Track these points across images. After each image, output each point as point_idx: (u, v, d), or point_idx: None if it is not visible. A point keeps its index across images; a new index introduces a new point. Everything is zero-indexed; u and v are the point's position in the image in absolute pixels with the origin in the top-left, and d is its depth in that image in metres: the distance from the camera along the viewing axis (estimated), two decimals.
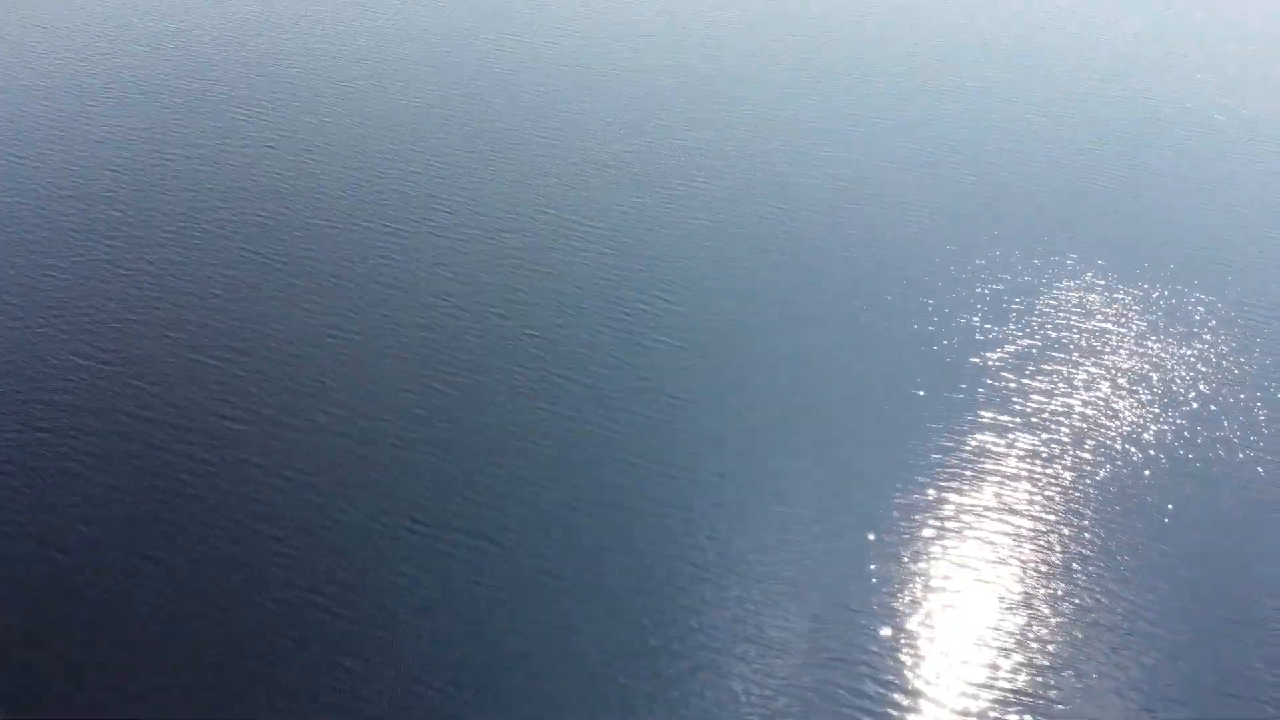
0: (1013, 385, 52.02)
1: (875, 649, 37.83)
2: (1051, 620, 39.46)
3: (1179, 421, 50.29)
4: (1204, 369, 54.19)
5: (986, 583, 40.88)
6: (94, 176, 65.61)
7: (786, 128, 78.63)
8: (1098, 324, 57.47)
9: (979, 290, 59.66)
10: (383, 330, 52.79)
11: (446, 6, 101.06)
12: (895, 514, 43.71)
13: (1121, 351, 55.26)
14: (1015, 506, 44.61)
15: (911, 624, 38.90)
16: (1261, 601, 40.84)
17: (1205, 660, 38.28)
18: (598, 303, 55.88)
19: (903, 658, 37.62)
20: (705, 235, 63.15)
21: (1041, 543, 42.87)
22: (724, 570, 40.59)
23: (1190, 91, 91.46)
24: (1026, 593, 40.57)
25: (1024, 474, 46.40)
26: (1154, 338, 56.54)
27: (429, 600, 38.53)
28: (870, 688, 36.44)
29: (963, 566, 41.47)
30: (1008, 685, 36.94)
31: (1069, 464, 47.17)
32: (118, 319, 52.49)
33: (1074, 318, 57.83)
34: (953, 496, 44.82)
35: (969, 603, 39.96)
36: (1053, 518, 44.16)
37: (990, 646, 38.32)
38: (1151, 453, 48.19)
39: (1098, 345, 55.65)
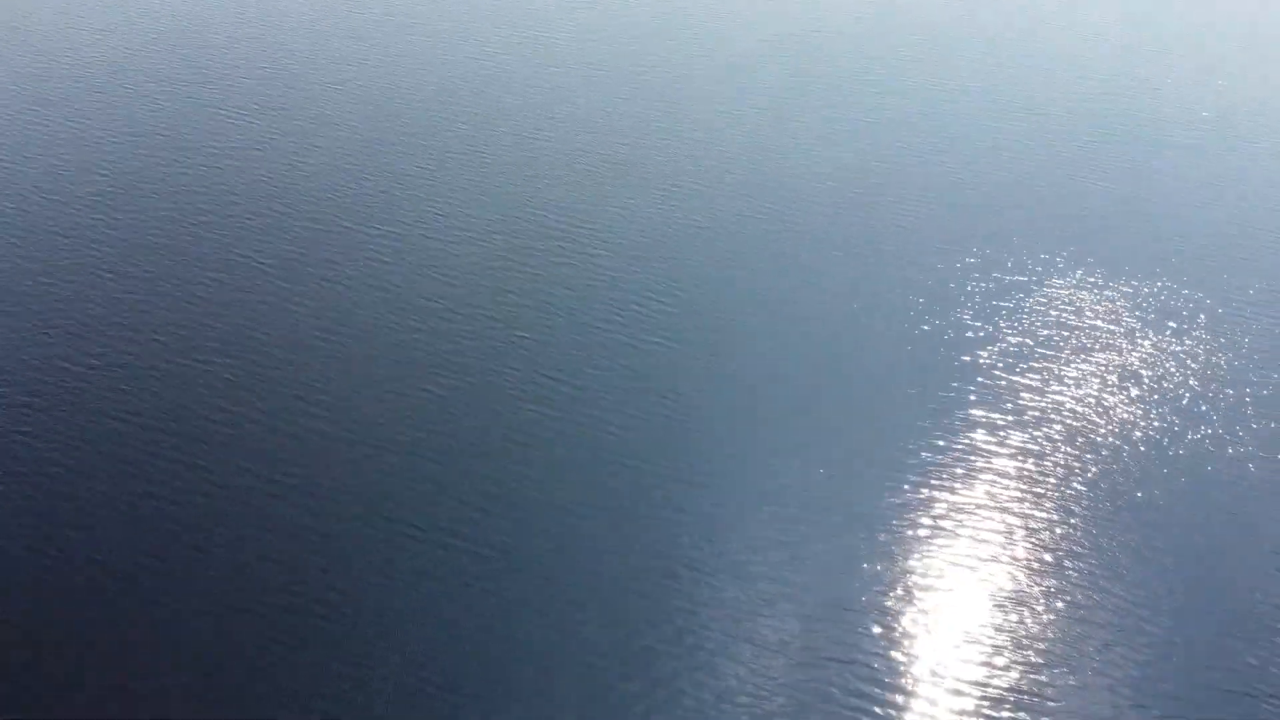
0: (1004, 383, 52.30)
1: (869, 648, 37.99)
2: (1044, 617, 39.69)
3: (1170, 418, 50.62)
4: (1194, 365, 54.54)
5: (979, 580, 41.11)
6: (80, 179, 65.55)
7: (779, 127, 78.85)
8: (1089, 321, 57.80)
9: (971, 288, 59.95)
10: (375, 333, 52.86)
11: (435, 7, 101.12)
12: (889, 512, 43.91)
13: (1112, 349, 55.59)
14: (1007, 504, 44.86)
15: (905, 622, 39.09)
16: (1253, 597, 41.12)
17: (1198, 656, 38.52)
18: (590, 304, 56.04)
19: (897, 656, 37.80)
20: (697, 235, 63.34)
21: (1034, 540, 43.12)
22: (719, 570, 40.71)
23: (1179, 89, 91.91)
24: (1019, 590, 40.80)
25: (1016, 472, 46.66)
26: (1145, 335, 56.88)
27: (424, 604, 38.58)
28: (865, 687, 36.60)
29: (955, 565, 41.69)
30: (1001, 682, 37.14)
31: (1061, 461, 47.45)
32: (106, 324, 52.46)
33: (1065, 315, 58.15)
34: (945, 495, 45.04)
35: (962, 600, 40.17)
36: (1045, 515, 44.42)
37: (983, 644, 38.52)
38: (1142, 449, 48.49)
39: (1089, 343, 55.97)
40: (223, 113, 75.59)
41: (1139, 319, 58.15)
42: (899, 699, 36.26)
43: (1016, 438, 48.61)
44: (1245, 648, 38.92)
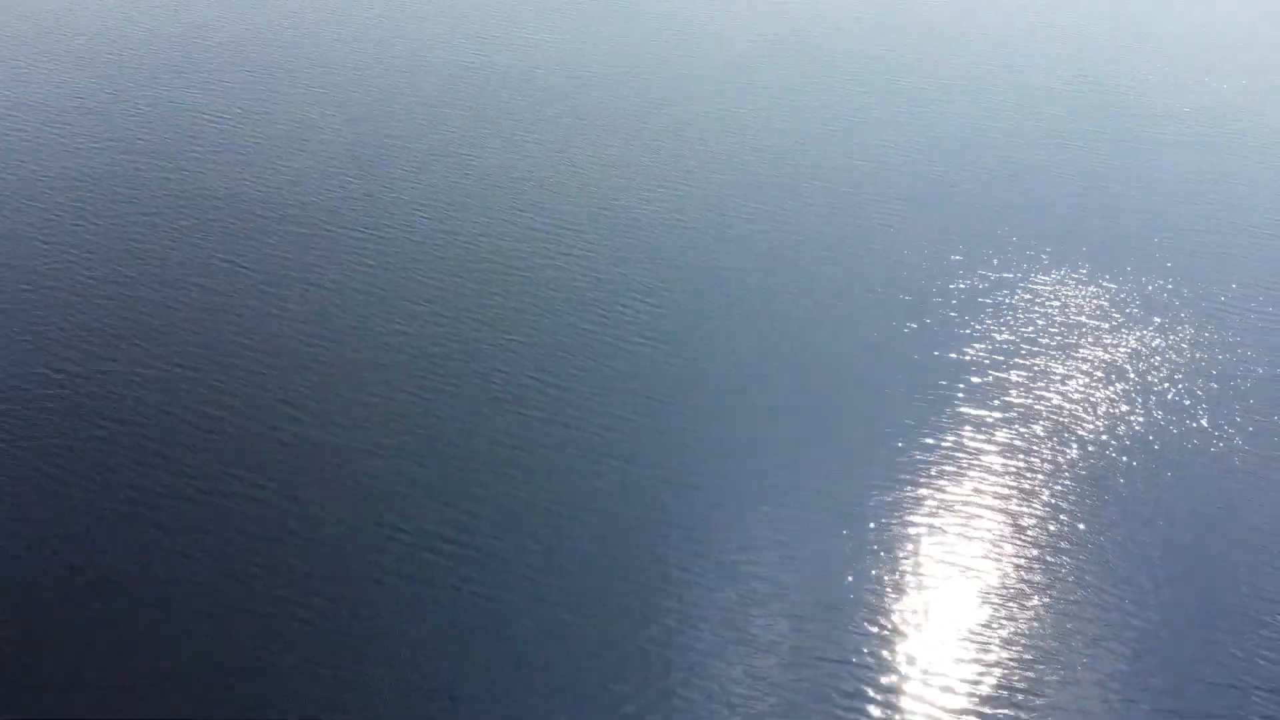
0: (992, 380, 52.44)
1: (860, 647, 38.01)
2: (1033, 612, 39.78)
3: (1156, 413, 50.82)
4: (1179, 360, 54.77)
5: (969, 578, 41.19)
6: (60, 185, 65.21)
7: (765, 127, 78.94)
8: (1075, 318, 57.99)
9: (957, 286, 60.10)
10: (360, 337, 52.71)
11: (418, 9, 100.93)
12: (879, 511, 43.96)
13: (1098, 344, 55.79)
14: (995, 501, 44.96)
15: (896, 621, 39.12)
16: (1239, 590, 41.30)
17: (1185, 649, 38.67)
18: (577, 306, 55.99)
19: (888, 655, 37.83)
20: (683, 235, 63.35)
21: (1023, 537, 43.22)
22: (708, 570, 40.69)
23: (1163, 85, 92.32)
24: (1008, 586, 40.89)
25: (1004, 468, 46.77)
26: (1130, 330, 57.10)
27: (412, 607, 38.46)
28: (855, 686, 36.61)
29: (944, 562, 41.76)
30: (991, 678, 37.20)
31: (1048, 457, 47.58)
32: (88, 330, 52.19)
33: (1051, 312, 58.33)
34: (934, 492, 45.12)
35: (951, 598, 40.23)
36: (1033, 511, 44.54)
37: (973, 640, 38.59)
38: (1129, 444, 48.67)
39: (1075, 339, 56.16)
40: (204, 117, 75.28)
41: (1125, 314, 58.36)
42: (890, 697, 36.30)
43: (1004, 434, 48.73)
44: (1232, 640, 39.08)
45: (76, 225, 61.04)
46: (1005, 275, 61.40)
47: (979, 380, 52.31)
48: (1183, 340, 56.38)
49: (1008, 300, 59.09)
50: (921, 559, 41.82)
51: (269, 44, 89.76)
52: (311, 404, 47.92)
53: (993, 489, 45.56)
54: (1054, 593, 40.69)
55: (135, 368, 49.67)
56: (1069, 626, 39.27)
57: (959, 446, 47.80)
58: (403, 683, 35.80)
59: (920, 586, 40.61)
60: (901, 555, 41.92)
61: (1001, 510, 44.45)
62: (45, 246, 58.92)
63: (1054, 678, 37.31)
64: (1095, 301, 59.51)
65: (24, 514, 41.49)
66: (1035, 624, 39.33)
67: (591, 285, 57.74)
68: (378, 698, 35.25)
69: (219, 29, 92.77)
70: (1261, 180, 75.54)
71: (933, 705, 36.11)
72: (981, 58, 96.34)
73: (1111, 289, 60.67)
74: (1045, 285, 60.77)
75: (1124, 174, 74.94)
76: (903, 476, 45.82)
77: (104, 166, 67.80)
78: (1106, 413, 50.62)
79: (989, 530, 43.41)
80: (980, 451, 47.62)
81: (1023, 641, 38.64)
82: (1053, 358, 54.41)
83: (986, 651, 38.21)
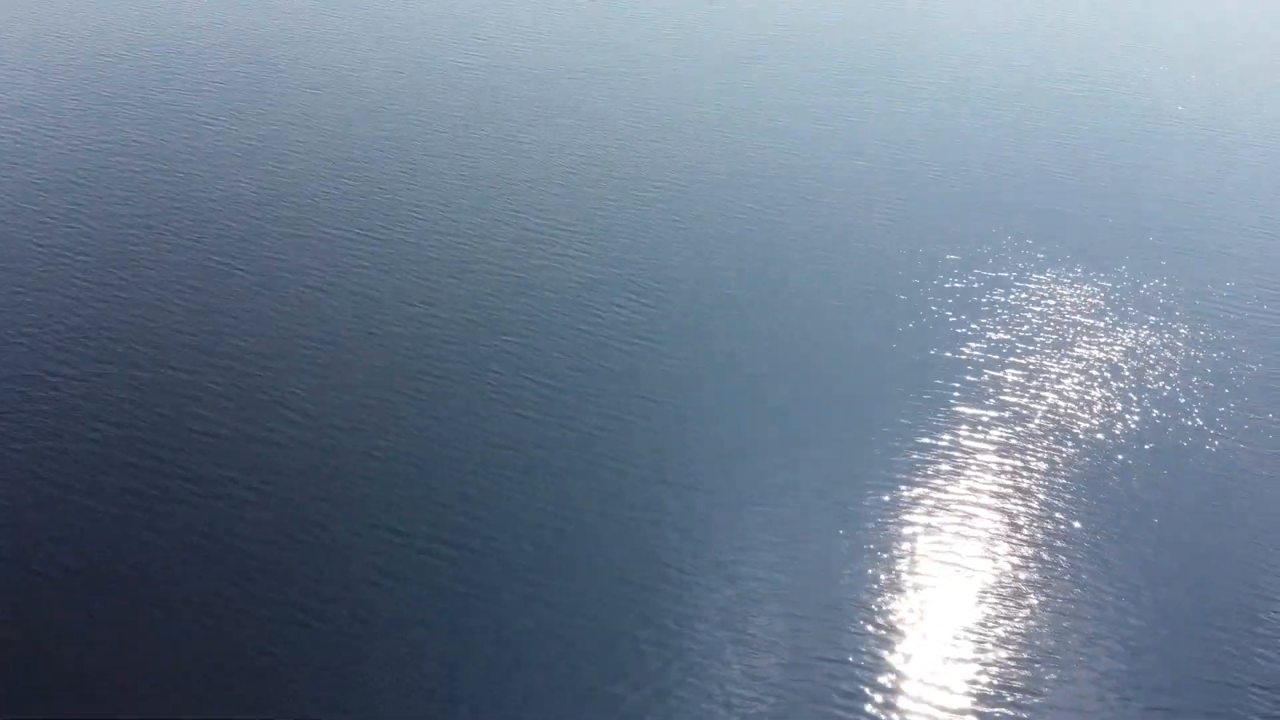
0: (987, 379, 52.49)
1: (859, 647, 38.04)
2: (1030, 611, 39.82)
3: (1151, 411, 50.90)
4: (1174, 358, 54.85)
5: (965, 576, 41.23)
6: (53, 188, 65.12)
7: (759, 127, 78.97)
8: (1070, 316, 58.06)
9: (952, 285, 60.15)
10: (355, 338, 52.66)
11: (411, 10, 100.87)
12: (876, 511, 43.99)
13: (1093, 343, 55.86)
14: (992, 500, 45.00)
15: (893, 620, 39.15)
16: (1235, 587, 41.37)
17: (1181, 646, 38.73)
18: (572, 307, 55.98)
19: (885, 653, 37.85)
20: (679, 235, 63.36)
21: (1019, 536, 43.27)
22: (705, 571, 40.70)
23: (1157, 83, 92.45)
24: (1005, 585, 40.93)
25: (999, 467, 46.82)
26: (1125, 329, 57.18)
27: (412, 609, 38.45)
28: (855, 686, 36.63)
29: (941, 562, 41.79)
30: (989, 677, 37.24)
31: (1044, 456, 47.64)
32: (83, 333, 52.11)
33: (1046, 310, 58.40)
34: (930, 492, 45.16)
35: (948, 597, 40.27)
36: (1029, 509, 44.59)
37: (970, 639, 38.62)
38: (1124, 442, 48.74)
39: (1070, 337, 56.23)
40: (198, 119, 75.20)
41: (1120, 313, 58.45)
42: (888, 697, 36.32)
43: (1000, 433, 48.78)
44: (1228, 638, 39.16)
45: (70, 228, 60.95)
46: (1000, 274, 61.46)
47: (974, 379, 52.37)
48: (1178, 338, 56.47)
49: (1003, 299, 59.15)
50: (918, 558, 41.86)
51: (261, 46, 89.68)
52: (307, 406, 47.88)
53: (989, 488, 45.60)
54: (1050, 591, 40.74)
55: (130, 370, 49.60)
56: (1065, 625, 39.33)
57: (955, 445, 47.84)
58: (401, 683, 35.78)
59: (917, 586, 40.65)
60: (898, 555, 41.95)
61: (998, 509, 44.50)
62: (39, 249, 58.82)
63: (1051, 676, 37.35)
64: (1090, 300, 59.59)
65: (18, 517, 41.41)
66: (1032, 622, 39.38)
67: (586, 286, 57.73)
68: (376, 698, 35.22)
69: (211, 31, 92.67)
70: (1256, 178, 75.67)
71: (930, 704, 36.14)
72: (975, 56, 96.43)
73: (1106, 287, 60.76)
74: (1040, 284, 60.84)
75: (1118, 172, 75.03)
76: (899, 476, 45.85)
77: (97, 168, 67.69)
78: (1102, 411, 50.69)
79: (985, 529, 43.45)
80: (976, 450, 47.67)
81: (1019, 640, 38.68)
82: (1048, 356, 54.48)
83: (983, 650, 38.25)
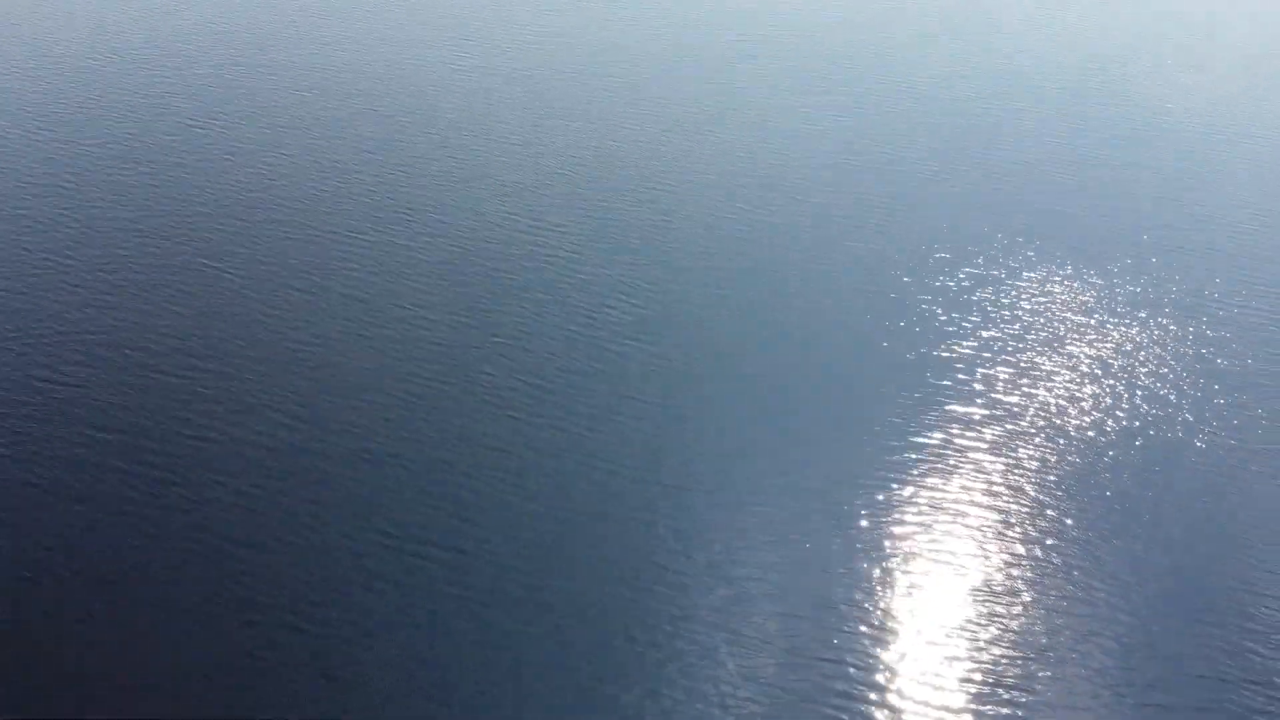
0: (979, 377, 52.55)
1: (853, 645, 38.03)
2: (1023, 608, 39.86)
3: (1141, 408, 51.00)
4: (1164, 355, 54.98)
5: (958, 574, 41.25)
6: (44, 192, 64.88)
7: (750, 128, 78.99)
8: (1061, 314, 58.16)
9: (943, 284, 60.21)
10: (346, 341, 52.54)
11: (404, 11, 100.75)
12: (868, 510, 44.00)
13: (1084, 340, 55.96)
14: (985, 499, 45.05)
15: (888, 618, 39.15)
16: (1224, 583, 41.46)
17: (1172, 642, 38.80)
18: (565, 309, 55.92)
19: (879, 651, 37.85)
20: (670, 236, 63.33)
21: (1012, 534, 43.32)
22: (699, 571, 40.66)
23: (1147, 82, 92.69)
24: (998, 583, 40.97)
25: (992, 465, 46.87)
26: (1116, 326, 57.29)
27: (405, 613, 38.34)
28: (849, 683, 36.61)
29: (935, 560, 41.82)
30: (982, 673, 37.26)
31: (1036, 454, 47.69)
32: (75, 337, 51.88)
33: (1037, 308, 58.49)
34: (923, 491, 45.18)
35: (942, 594, 40.28)
36: (1021, 507, 44.64)
37: (963, 636, 38.64)
38: (1115, 439, 48.82)
39: (1061, 335, 56.32)
40: (186, 122, 75.00)
41: (1110, 311, 58.57)
42: (882, 694, 36.32)
43: (992, 432, 48.83)
44: (1220, 633, 39.24)
45: (58, 233, 60.73)
46: (991, 272, 61.55)
47: (966, 377, 52.42)
48: (1168, 335, 56.60)
49: (994, 297, 59.23)
50: (911, 557, 41.87)
51: (252, 49, 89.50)
52: (298, 409, 47.75)
53: (981, 486, 45.65)
54: (1042, 588, 40.78)
55: (120, 374, 49.42)
56: (1059, 622, 39.37)
57: (947, 444, 47.88)
58: (394, 684, 35.69)
59: (911, 584, 40.66)
60: (892, 553, 41.96)
61: (990, 507, 44.54)
62: (27, 254, 58.58)
63: (1044, 673, 37.39)
64: (1081, 298, 59.70)
65: (9, 521, 41.21)
66: (1024, 619, 39.42)
67: (577, 287, 57.69)
68: (370, 699, 35.13)
69: (198, 34, 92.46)
70: (1246, 175, 75.89)
71: (925, 702, 36.14)
72: (966, 54, 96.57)
73: (1097, 285, 60.87)
74: (1031, 282, 60.94)
75: (1109, 171, 75.18)
76: (892, 475, 45.87)
77: (85, 172, 67.47)
78: (1093, 408, 50.78)
79: (978, 527, 43.49)
80: (968, 448, 47.72)
81: (1012, 637, 38.71)
82: (1039, 354, 54.56)
83: (977, 647, 38.27)
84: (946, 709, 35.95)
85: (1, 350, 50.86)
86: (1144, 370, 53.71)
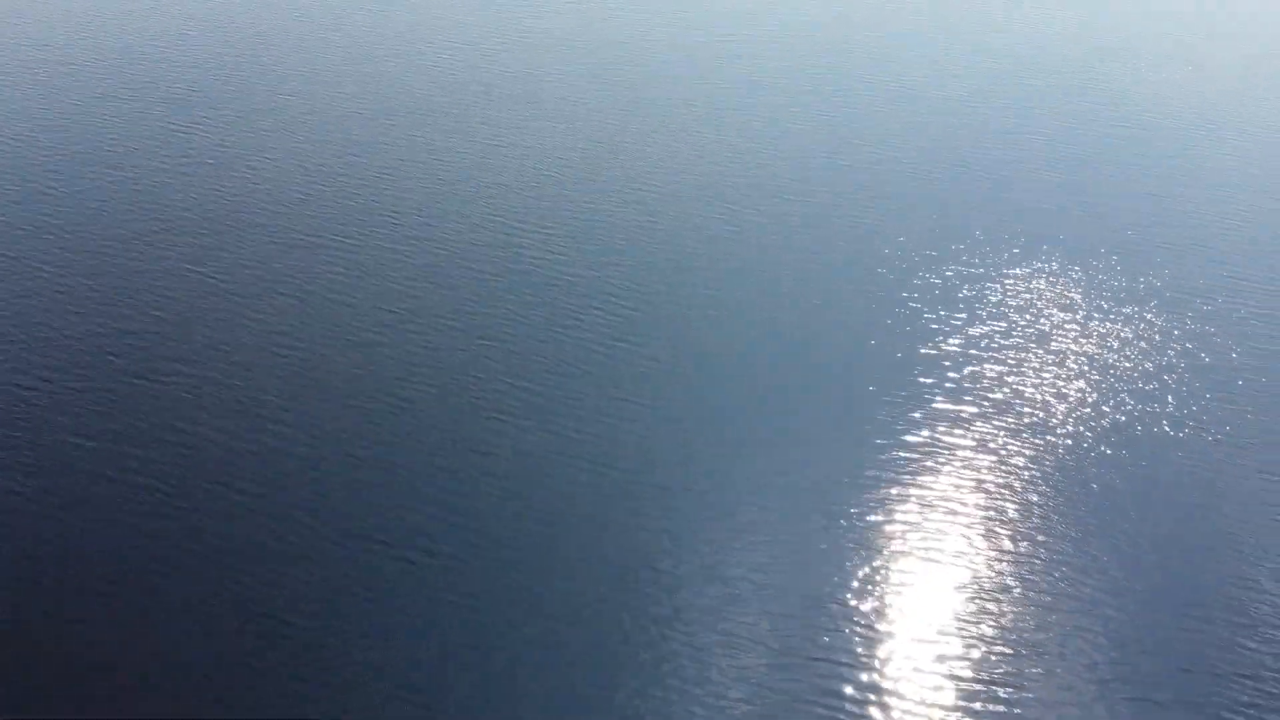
0: (967, 374, 52.72)
1: (845, 644, 38.11)
2: (1013, 604, 40.01)
3: (1127, 403, 51.24)
4: (1149, 350, 55.24)
5: (947, 571, 41.38)
6: (28, 196, 64.52)
7: (739, 128, 79.05)
8: (1048, 311, 58.38)
9: (931, 282, 60.38)
10: (334, 344, 52.42)
11: (391, 13, 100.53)
12: (857, 509, 44.09)
13: (1069, 337, 56.19)
14: (974, 496, 45.19)
15: (879, 615, 39.24)
16: (1212, 577, 41.68)
17: (1160, 637, 39.00)
18: (553, 311, 55.89)
19: (873, 650, 37.95)
20: (658, 239, 63.34)
21: (1001, 530, 43.48)
22: (691, 572, 40.71)
23: (1130, 80, 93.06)
24: (988, 579, 41.11)
25: (981, 463, 47.02)
26: (1101, 323, 57.54)
27: (399, 615, 38.29)
28: (842, 682, 36.70)
29: (924, 558, 41.93)
30: (973, 669, 37.39)
31: (1025, 450, 47.87)
32: (58, 343, 51.63)
33: (1025, 306, 58.70)
34: (913, 489, 45.28)
35: (932, 592, 40.40)
36: (1012, 504, 44.81)
37: (954, 633, 38.77)
38: (1101, 435, 49.03)
39: (1049, 332, 56.54)
40: (172, 126, 74.70)
41: (1096, 307, 58.82)
42: (874, 692, 36.42)
43: (980, 429, 49.00)
44: (1209, 627, 39.47)
45: (45, 238, 60.42)
46: (979, 271, 61.75)
47: (954, 375, 52.59)
48: (1154, 331, 56.88)
49: (980, 295, 59.42)
50: (901, 554, 42.00)
51: (235, 53, 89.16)
52: (288, 414, 47.63)
53: (970, 484, 45.80)
54: (1032, 584, 40.95)
55: (106, 381, 49.20)
56: (1048, 618, 39.54)
57: (935, 441, 48.03)
58: (390, 686, 35.65)
59: (902, 582, 40.78)
60: (882, 551, 42.07)
61: (978, 504, 44.70)
62: (9, 260, 58.28)
63: (1034, 668, 37.54)
64: (1067, 294, 59.94)
65: (2, 525, 41.12)
66: (1014, 615, 39.57)
67: (566, 289, 57.67)
68: (371, 699, 35.08)
69: (182, 38, 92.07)
70: (1232, 172, 76.28)
71: (917, 699, 36.25)
72: (951, 53, 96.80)
73: (1083, 281, 61.12)
74: (1017, 279, 61.15)
75: (1095, 168, 75.47)
76: (881, 473, 45.99)
77: (69, 178, 67.13)
78: (1081, 404, 50.99)
79: (967, 525, 43.64)
80: (956, 446, 47.87)
81: (1002, 633, 38.86)
82: (1026, 351, 54.77)
83: (967, 643, 38.40)
84: (938, 706, 36.08)
85: None
86: (1131, 366, 53.96)
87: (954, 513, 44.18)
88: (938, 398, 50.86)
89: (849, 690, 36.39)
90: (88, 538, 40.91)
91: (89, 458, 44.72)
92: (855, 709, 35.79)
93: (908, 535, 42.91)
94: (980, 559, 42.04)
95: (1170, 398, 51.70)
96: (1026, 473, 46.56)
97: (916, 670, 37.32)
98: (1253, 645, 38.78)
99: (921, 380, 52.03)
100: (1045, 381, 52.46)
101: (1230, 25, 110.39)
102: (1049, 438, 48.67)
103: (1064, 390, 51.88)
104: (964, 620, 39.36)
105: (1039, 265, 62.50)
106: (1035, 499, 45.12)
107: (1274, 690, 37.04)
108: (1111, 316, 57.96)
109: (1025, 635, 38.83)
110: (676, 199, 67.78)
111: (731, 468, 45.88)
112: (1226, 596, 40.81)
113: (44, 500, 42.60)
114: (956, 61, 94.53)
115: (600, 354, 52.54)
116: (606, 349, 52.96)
